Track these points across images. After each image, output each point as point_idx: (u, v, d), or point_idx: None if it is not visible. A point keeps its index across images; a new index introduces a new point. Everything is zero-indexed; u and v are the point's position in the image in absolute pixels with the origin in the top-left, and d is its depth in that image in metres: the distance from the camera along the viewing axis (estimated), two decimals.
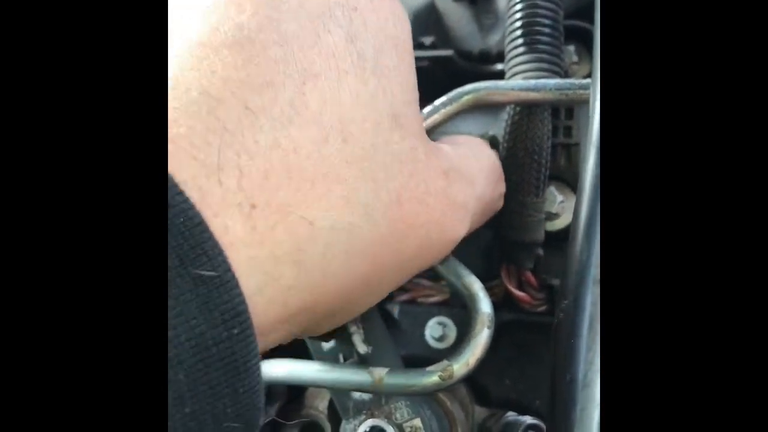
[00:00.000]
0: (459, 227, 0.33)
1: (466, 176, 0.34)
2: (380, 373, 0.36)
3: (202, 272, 0.22)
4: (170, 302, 0.21)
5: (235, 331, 0.22)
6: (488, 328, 0.35)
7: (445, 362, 0.35)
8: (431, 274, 0.42)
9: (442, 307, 0.46)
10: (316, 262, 0.26)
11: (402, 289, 0.47)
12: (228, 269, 0.23)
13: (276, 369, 0.40)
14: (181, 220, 0.22)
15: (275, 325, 0.26)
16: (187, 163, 0.23)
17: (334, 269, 0.27)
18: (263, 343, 0.26)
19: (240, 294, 0.23)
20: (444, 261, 0.37)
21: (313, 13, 0.28)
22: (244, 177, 0.24)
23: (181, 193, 0.22)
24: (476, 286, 0.37)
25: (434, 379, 0.35)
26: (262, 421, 0.46)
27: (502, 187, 0.40)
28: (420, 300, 0.47)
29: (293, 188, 0.25)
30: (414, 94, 0.32)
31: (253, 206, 0.24)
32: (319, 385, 0.39)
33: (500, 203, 0.40)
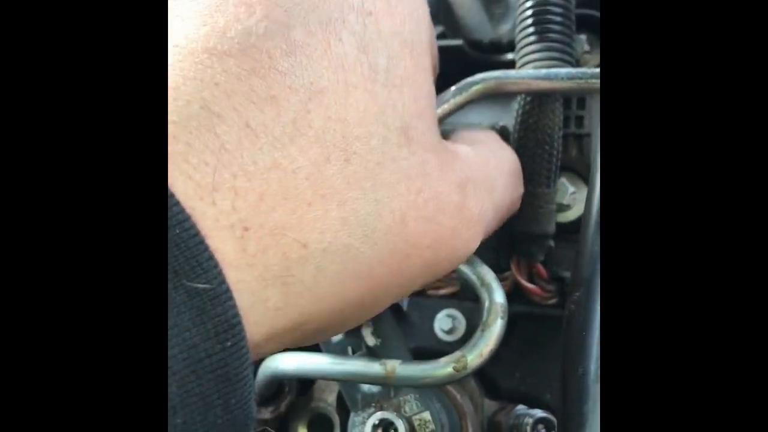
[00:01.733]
0: (471, 242, 0.32)
1: (484, 185, 0.33)
2: (393, 365, 0.36)
3: (197, 285, 0.22)
4: None
5: (228, 343, 0.22)
6: (502, 318, 0.35)
7: (458, 353, 0.35)
8: None
9: (451, 300, 0.45)
10: (306, 285, 0.26)
11: None
12: (222, 282, 0.23)
13: (287, 362, 0.39)
14: (177, 231, 0.22)
15: (262, 342, 0.26)
16: (183, 181, 0.23)
17: (324, 291, 0.26)
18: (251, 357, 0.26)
19: (234, 306, 0.23)
20: None
21: (325, 17, 0.27)
22: (239, 198, 0.24)
23: (177, 204, 0.22)
24: (489, 276, 0.37)
25: (448, 370, 0.34)
26: (272, 415, 0.46)
27: (521, 189, 0.39)
28: (429, 292, 0.46)
29: (288, 210, 0.25)
30: (428, 102, 0.31)
31: (246, 228, 0.24)
32: (330, 378, 0.39)
33: (518, 205, 0.39)
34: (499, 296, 0.35)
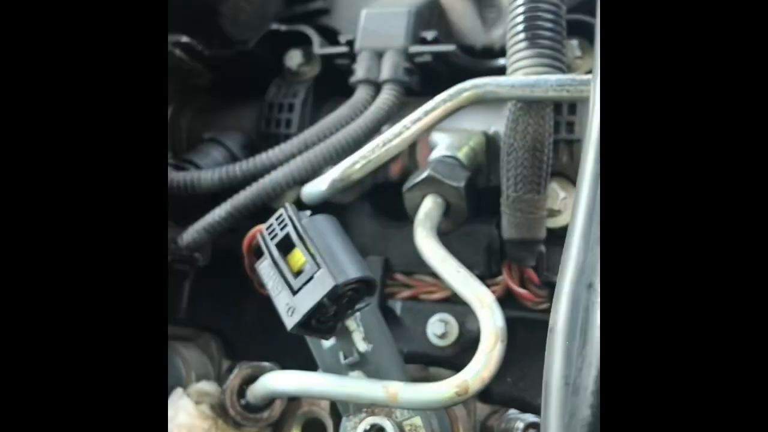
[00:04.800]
0: None
1: None
2: (395, 388, 0.36)
3: None
4: None
5: None
6: (502, 342, 0.36)
7: (460, 377, 0.35)
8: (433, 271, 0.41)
9: (444, 304, 0.46)
10: None
11: (404, 286, 0.46)
12: None
13: (287, 382, 0.40)
14: None
15: None
16: None
17: None
18: None
19: None
20: (456, 271, 0.38)
21: None
22: None
23: None
24: (489, 299, 0.37)
25: (450, 394, 0.35)
26: (266, 420, 0.45)
27: None
28: (422, 297, 0.46)
29: None
30: None
31: None
32: (332, 399, 0.39)
33: None
34: (499, 320, 0.36)
